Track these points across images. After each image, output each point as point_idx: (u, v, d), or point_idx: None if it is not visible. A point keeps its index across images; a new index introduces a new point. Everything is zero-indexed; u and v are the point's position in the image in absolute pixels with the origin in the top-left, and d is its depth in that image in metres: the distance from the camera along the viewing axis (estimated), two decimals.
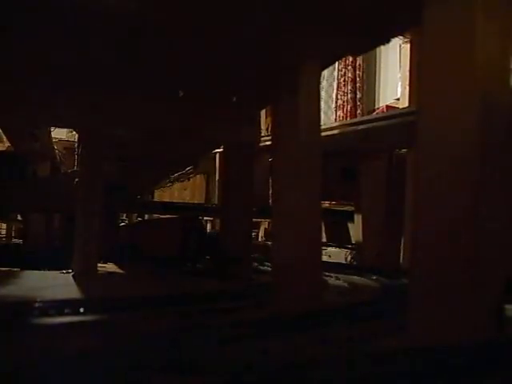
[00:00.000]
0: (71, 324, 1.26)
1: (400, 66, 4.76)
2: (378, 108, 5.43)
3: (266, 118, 4.84)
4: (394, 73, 5.74)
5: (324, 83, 5.99)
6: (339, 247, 3.56)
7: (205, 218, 4.55)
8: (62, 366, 0.86)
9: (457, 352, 0.90)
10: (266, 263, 2.71)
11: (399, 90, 4.85)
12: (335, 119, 5.90)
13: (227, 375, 0.81)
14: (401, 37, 3.86)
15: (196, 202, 5.61)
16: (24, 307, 1.39)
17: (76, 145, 3.70)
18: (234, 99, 2.35)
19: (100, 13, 1.49)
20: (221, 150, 3.61)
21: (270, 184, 3.19)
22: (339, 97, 6.10)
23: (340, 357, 0.95)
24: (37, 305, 1.39)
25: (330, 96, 6.14)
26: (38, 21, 1.60)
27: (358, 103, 6.11)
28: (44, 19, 1.58)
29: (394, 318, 1.29)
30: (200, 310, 1.45)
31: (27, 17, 1.57)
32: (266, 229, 4.60)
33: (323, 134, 2.00)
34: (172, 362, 0.88)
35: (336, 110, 6.08)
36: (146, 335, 1.11)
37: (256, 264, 2.75)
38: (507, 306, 1.03)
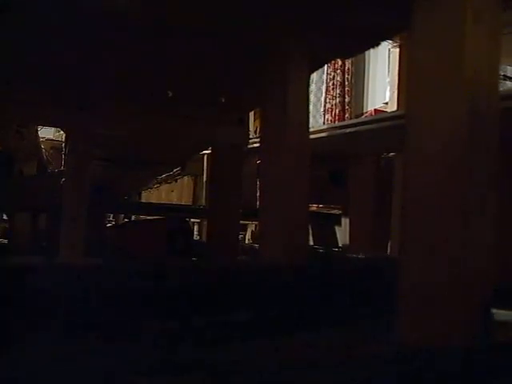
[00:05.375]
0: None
1: (389, 71, 4.77)
2: (366, 112, 5.44)
3: (255, 120, 4.84)
4: (382, 77, 5.77)
5: (313, 86, 6.00)
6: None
7: (192, 219, 4.53)
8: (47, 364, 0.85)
9: (443, 357, 0.91)
10: None
11: (388, 94, 4.86)
12: (323, 123, 5.91)
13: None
14: (390, 41, 3.87)
15: (183, 203, 5.59)
16: None
17: (63, 144, 3.68)
18: (223, 100, 2.35)
19: (89, 12, 1.49)
20: (209, 151, 3.60)
21: (258, 186, 3.18)
22: (328, 100, 6.11)
23: None
24: None
25: (319, 99, 6.15)
26: (28, 20, 1.59)
27: (347, 107, 6.12)
28: (34, 18, 1.58)
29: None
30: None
31: (16, 16, 1.56)
32: (253, 231, 4.59)
33: (311, 136, 2.00)
34: (161, 361, 0.87)
35: (324, 114, 6.10)
36: (135, 335, 1.10)
37: None
38: (496, 311, 1.03)
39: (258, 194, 3.18)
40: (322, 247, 3.44)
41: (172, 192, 5.92)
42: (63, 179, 2.62)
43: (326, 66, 5.72)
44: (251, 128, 4.44)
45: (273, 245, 1.69)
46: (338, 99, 6.07)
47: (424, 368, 0.86)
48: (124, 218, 5.13)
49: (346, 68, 6.08)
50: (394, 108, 3.99)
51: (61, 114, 2.26)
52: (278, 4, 1.48)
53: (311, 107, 5.50)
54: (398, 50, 4.09)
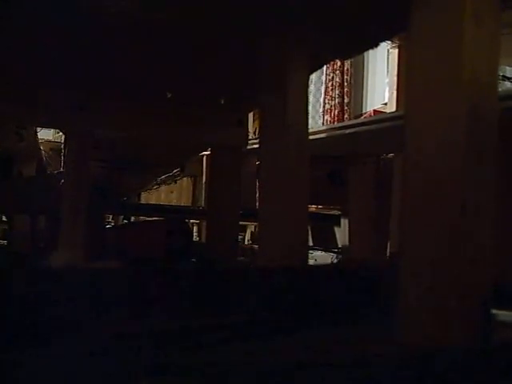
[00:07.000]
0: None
1: (388, 71, 4.78)
2: (365, 113, 5.45)
3: (254, 121, 4.84)
4: (381, 78, 5.78)
5: (312, 87, 6.00)
6: (325, 251, 3.56)
7: (191, 220, 4.54)
8: (49, 365, 0.85)
9: (443, 357, 0.91)
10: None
11: (387, 94, 4.87)
12: (322, 123, 5.91)
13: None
14: (389, 42, 3.88)
15: (183, 204, 5.59)
16: None
17: (63, 146, 3.68)
18: (222, 102, 2.35)
19: (89, 11, 1.49)
20: (208, 152, 3.60)
21: (257, 187, 3.18)
22: (327, 101, 6.11)
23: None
24: None
25: (318, 100, 6.15)
26: (28, 19, 1.59)
27: (346, 108, 6.13)
28: (34, 18, 1.58)
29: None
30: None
31: (16, 15, 1.56)
32: (252, 232, 4.59)
33: (311, 137, 2.00)
34: (159, 363, 0.87)
35: (323, 115, 6.10)
36: (134, 336, 1.10)
37: None
38: (496, 311, 1.03)
39: (257, 195, 3.19)
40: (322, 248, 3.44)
41: (171, 193, 5.92)
42: (62, 180, 2.62)
43: (325, 67, 5.73)
44: (250, 129, 4.44)
45: (272, 246, 1.69)
46: (337, 100, 6.07)
47: (424, 368, 0.86)
48: (123, 219, 5.12)
49: (345, 69, 6.08)
50: (393, 109, 4.00)
51: (61, 114, 2.26)
52: (278, 4, 1.48)
53: (310, 108, 5.50)
54: (397, 50, 4.09)
